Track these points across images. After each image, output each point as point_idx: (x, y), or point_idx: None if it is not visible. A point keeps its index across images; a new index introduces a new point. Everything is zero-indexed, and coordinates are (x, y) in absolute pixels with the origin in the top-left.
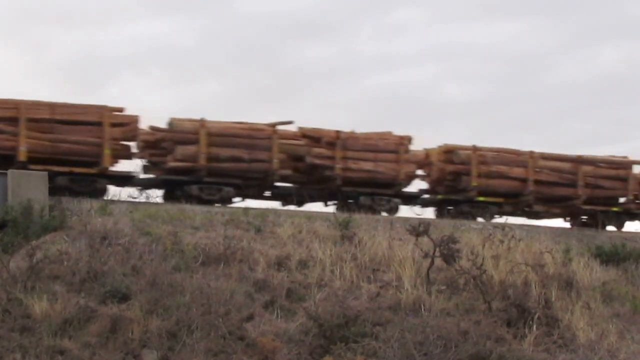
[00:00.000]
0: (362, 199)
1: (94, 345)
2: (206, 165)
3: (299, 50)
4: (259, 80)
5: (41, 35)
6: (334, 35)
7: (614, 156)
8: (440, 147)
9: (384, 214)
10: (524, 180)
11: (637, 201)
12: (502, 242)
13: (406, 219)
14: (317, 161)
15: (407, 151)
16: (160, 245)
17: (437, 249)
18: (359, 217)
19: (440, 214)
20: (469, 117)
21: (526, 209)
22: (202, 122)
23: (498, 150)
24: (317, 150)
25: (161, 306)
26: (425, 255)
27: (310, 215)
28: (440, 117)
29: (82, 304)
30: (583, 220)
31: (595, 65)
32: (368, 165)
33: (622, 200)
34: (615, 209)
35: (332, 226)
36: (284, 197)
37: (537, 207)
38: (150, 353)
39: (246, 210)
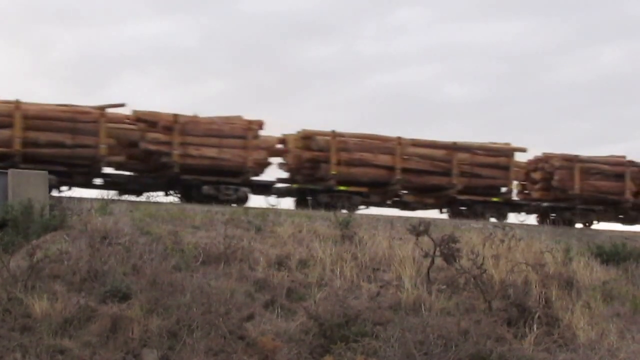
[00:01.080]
0: (205, 188)
1: (94, 344)
2: (21, 150)
3: (300, 50)
4: (260, 80)
5: (43, 35)
6: (336, 35)
7: (495, 143)
8: (298, 132)
9: (234, 205)
10: (390, 169)
11: (526, 191)
12: (502, 241)
13: (407, 219)
14: (152, 147)
15: (256, 137)
16: (160, 245)
17: (438, 249)
18: (360, 217)
19: (299, 204)
20: (470, 116)
21: (395, 199)
22: (17, 104)
23: (362, 136)
24: (152, 135)
25: (161, 305)
26: (426, 255)
27: (311, 215)
28: (441, 117)
29: (83, 303)
30: (462, 210)
31: (596, 65)
32: (211, 152)
33: (503, 190)
34: (495, 199)
35: (332, 225)
36: (118, 185)
37: (408, 198)
38: (150, 352)
39: (246, 209)
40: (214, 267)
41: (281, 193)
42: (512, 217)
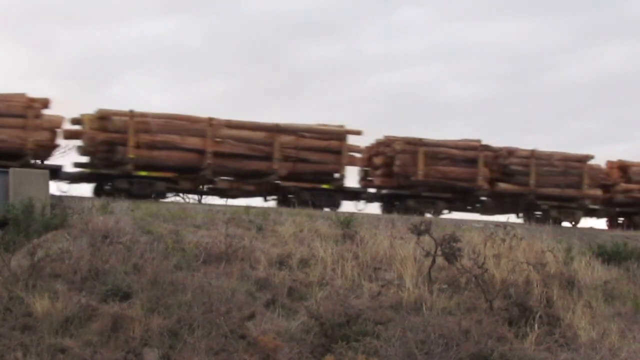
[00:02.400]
0: None
1: (95, 343)
2: None
3: (304, 50)
4: (263, 80)
5: (47, 35)
6: (339, 35)
7: (325, 124)
8: (94, 112)
9: None
10: (201, 152)
11: (369, 178)
12: (503, 241)
13: (407, 218)
14: None
15: (38, 116)
16: (161, 244)
17: (439, 248)
18: (361, 216)
19: (98, 192)
20: (473, 116)
21: (210, 185)
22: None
23: (167, 117)
24: None
25: (162, 305)
26: (427, 254)
27: (312, 214)
28: (444, 117)
29: (84, 302)
30: (290, 198)
31: (599, 65)
32: None
33: (336, 176)
34: (325, 186)
35: (333, 225)
36: None
37: (223, 184)
38: (151, 351)
39: (247, 208)
40: (215, 266)
41: (72, 178)
42: (350, 206)
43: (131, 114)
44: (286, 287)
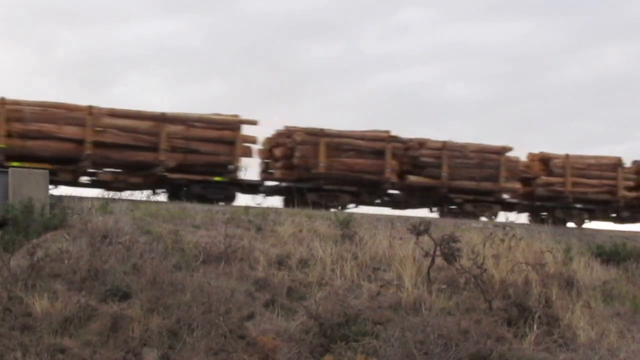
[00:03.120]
0: None
1: (94, 343)
2: None
3: (304, 50)
4: (264, 80)
5: (48, 35)
6: (340, 35)
7: (218, 114)
8: None
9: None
10: (80, 142)
11: (270, 170)
12: (502, 241)
13: (407, 218)
14: None
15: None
16: (161, 244)
17: (438, 248)
18: (360, 216)
19: None
20: (473, 116)
21: (92, 177)
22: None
23: (43, 105)
24: None
25: (162, 305)
26: (426, 254)
27: (311, 214)
28: (445, 117)
29: (83, 302)
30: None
31: (600, 65)
32: None
33: (230, 168)
34: (217, 178)
35: (332, 225)
36: None
37: (105, 176)
38: (150, 351)
39: (247, 209)
40: (214, 266)
41: None
42: (248, 200)
43: (2, 101)
44: (285, 287)
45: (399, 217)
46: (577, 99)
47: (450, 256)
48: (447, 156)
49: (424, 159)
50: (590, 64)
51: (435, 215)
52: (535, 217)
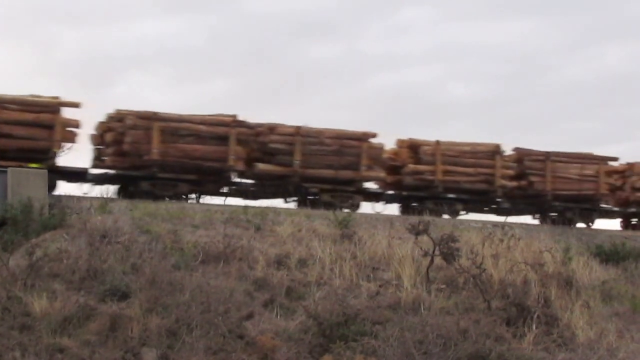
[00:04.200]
0: None
1: (93, 343)
2: None
3: (306, 50)
4: (266, 79)
5: (49, 34)
6: (341, 35)
7: (38, 95)
8: None
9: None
10: None
11: (103, 157)
12: (501, 241)
13: (406, 218)
14: None
15: None
16: (160, 244)
17: (437, 248)
18: (359, 216)
19: None
20: (474, 116)
21: None
22: None
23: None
24: None
25: (161, 304)
26: (425, 254)
27: (310, 214)
28: (446, 117)
29: (82, 302)
30: None
31: (600, 65)
32: None
33: (51, 154)
34: (34, 165)
35: (331, 225)
36: None
37: None
38: (149, 351)
39: (246, 208)
40: (213, 266)
41: None
42: (73, 189)
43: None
44: (284, 287)
45: (398, 217)
46: (577, 99)
47: (449, 256)
48: (300, 142)
49: (274, 146)
50: (590, 64)
51: (291, 206)
52: (405, 208)
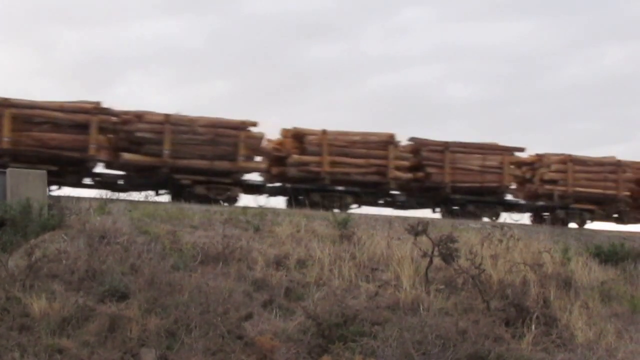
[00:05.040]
0: None
1: (92, 344)
2: None
3: (305, 51)
4: (265, 80)
5: (49, 35)
6: (340, 36)
7: None
8: None
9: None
10: None
11: None
12: (500, 241)
13: (405, 218)
14: None
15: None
16: (159, 244)
17: (436, 249)
18: (358, 217)
19: None
20: (474, 117)
21: None
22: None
23: None
24: None
25: (160, 305)
26: (424, 255)
27: (309, 215)
28: (445, 117)
29: (81, 302)
30: None
31: (600, 65)
32: None
33: None
34: None
35: (330, 225)
36: None
37: None
38: (148, 352)
39: (245, 209)
40: (212, 266)
41: None
42: None
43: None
44: (283, 288)
45: (397, 217)
46: (577, 99)
47: (448, 256)
48: (170, 131)
49: (141, 134)
50: (590, 64)
51: (165, 198)
52: (292, 201)
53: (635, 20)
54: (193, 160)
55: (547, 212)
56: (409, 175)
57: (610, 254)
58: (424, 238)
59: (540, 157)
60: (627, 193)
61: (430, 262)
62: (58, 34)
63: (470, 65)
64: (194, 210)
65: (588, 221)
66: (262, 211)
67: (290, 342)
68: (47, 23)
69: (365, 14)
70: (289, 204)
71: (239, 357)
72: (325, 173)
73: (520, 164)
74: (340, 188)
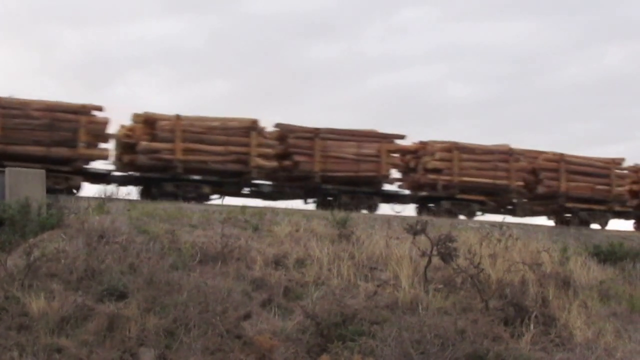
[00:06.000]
0: None
1: (91, 343)
2: None
3: (306, 50)
4: (266, 80)
5: (50, 35)
6: (340, 36)
7: None
8: None
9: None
10: None
11: None
12: (499, 241)
13: (404, 218)
14: None
15: None
16: (157, 244)
17: (435, 248)
18: (357, 216)
19: None
20: (474, 117)
21: None
22: None
23: None
24: None
25: (158, 304)
26: (423, 254)
27: (308, 214)
28: (446, 117)
29: (80, 302)
30: None
31: (600, 65)
32: None
33: None
34: None
35: (329, 225)
36: None
37: None
38: (147, 351)
39: (244, 208)
40: (211, 266)
41: None
42: None
43: None
44: (282, 287)
45: (396, 217)
46: (577, 99)
47: (447, 256)
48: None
49: None
50: (590, 64)
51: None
52: (144, 192)
53: (635, 20)
54: (26, 146)
55: (431, 203)
56: (273, 164)
57: (609, 253)
58: (422, 237)
59: (424, 145)
60: (521, 183)
61: (429, 261)
62: (59, 33)
63: (471, 65)
64: (193, 209)
65: (478, 213)
66: (261, 210)
67: (289, 342)
68: (48, 23)
69: (365, 14)
70: (143, 194)
71: (237, 357)
72: (178, 161)
73: (404, 152)
74: (196, 177)
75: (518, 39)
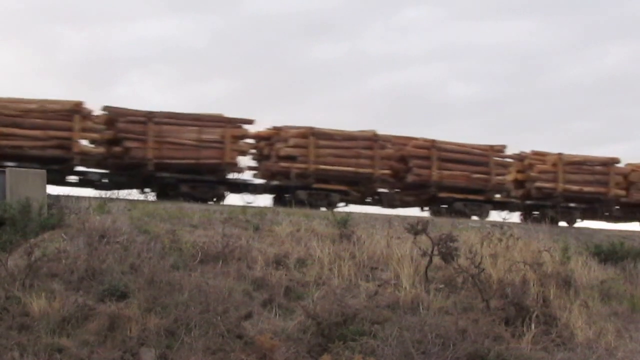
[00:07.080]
0: None
1: (92, 343)
2: None
3: (307, 50)
4: (268, 80)
5: (52, 35)
6: (342, 35)
7: None
8: None
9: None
10: None
11: None
12: (500, 240)
13: (404, 217)
14: None
15: None
16: (158, 244)
17: (436, 248)
18: (358, 216)
19: None
20: (476, 116)
21: None
22: None
23: None
24: None
25: (159, 304)
26: (424, 254)
27: (309, 214)
28: (447, 117)
29: (81, 302)
30: None
31: (601, 65)
32: None
33: None
34: None
35: (330, 224)
36: None
37: None
38: (148, 351)
39: (244, 208)
40: (212, 266)
41: None
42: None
43: None
44: (283, 287)
45: (396, 216)
46: (578, 98)
47: (448, 255)
48: None
49: None
50: (591, 64)
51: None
52: None
53: (636, 20)
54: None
55: (286, 193)
56: (100, 150)
57: (609, 253)
58: (423, 237)
59: (278, 131)
60: (387, 171)
61: (430, 261)
62: (60, 33)
63: (472, 65)
64: (194, 209)
65: (339, 204)
66: (261, 210)
67: (290, 341)
68: (50, 23)
69: (367, 14)
70: None
71: (238, 356)
72: None
73: (258, 138)
74: (10, 164)
75: (519, 38)
